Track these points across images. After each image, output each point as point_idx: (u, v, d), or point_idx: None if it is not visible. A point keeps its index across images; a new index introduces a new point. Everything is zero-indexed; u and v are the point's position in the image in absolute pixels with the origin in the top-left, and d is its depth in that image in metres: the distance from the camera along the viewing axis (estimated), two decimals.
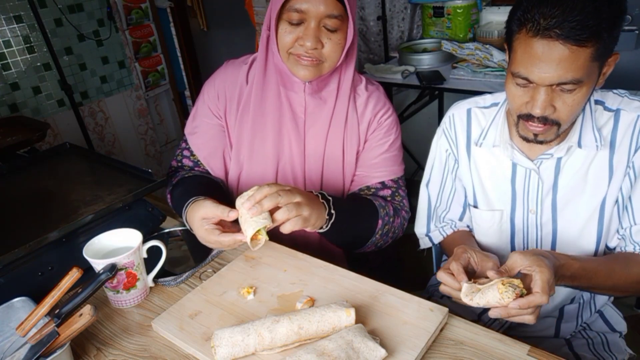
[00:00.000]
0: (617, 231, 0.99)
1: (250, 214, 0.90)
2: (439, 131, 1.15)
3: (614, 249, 1.01)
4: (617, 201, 0.97)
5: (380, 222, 1.12)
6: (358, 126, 1.18)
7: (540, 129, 0.89)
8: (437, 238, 1.20)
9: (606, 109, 0.96)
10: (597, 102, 0.97)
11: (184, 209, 1.05)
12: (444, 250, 1.25)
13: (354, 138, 1.18)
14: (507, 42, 0.90)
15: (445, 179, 1.17)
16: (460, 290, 0.81)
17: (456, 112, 1.11)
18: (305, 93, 1.14)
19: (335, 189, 1.21)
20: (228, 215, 0.93)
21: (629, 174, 0.94)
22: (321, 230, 1.03)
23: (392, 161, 1.20)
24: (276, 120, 1.16)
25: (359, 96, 1.19)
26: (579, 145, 0.95)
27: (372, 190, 1.19)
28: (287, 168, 1.19)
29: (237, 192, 1.26)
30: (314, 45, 1.03)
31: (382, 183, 1.19)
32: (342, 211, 1.05)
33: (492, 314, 0.78)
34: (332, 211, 1.02)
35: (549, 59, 0.80)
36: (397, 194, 1.20)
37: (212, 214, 0.96)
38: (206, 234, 0.96)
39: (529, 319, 0.78)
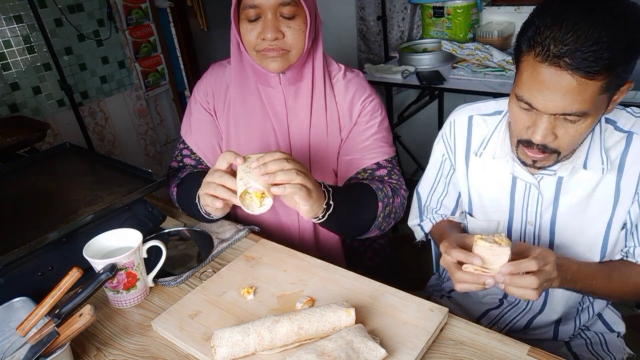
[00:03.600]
0: (621, 250, 0.99)
1: (254, 172, 0.88)
2: (439, 135, 1.14)
3: None
4: (624, 225, 0.95)
5: (380, 204, 1.11)
6: (338, 113, 1.19)
7: (539, 157, 0.87)
8: (428, 226, 1.20)
9: (617, 129, 0.92)
10: (607, 120, 0.92)
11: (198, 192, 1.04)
12: (432, 237, 1.24)
13: (335, 126, 1.18)
14: (515, 59, 0.86)
15: (438, 181, 1.16)
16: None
17: (457, 119, 1.09)
18: (282, 85, 1.16)
19: (324, 179, 1.20)
20: (235, 160, 0.93)
21: (638, 200, 0.92)
22: (318, 220, 1.02)
23: (384, 141, 1.20)
24: (260, 119, 1.19)
25: (337, 82, 1.20)
26: (585, 167, 0.92)
27: (369, 171, 1.18)
28: None
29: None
30: (274, 35, 1.05)
31: (378, 164, 1.18)
32: (341, 202, 1.04)
33: (501, 272, 0.79)
34: (331, 202, 1.00)
35: (555, 88, 0.76)
36: (393, 173, 1.20)
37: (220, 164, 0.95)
38: (208, 180, 0.95)
39: (530, 293, 0.78)
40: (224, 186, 0.93)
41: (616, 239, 0.96)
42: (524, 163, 0.92)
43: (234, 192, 0.92)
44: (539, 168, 0.91)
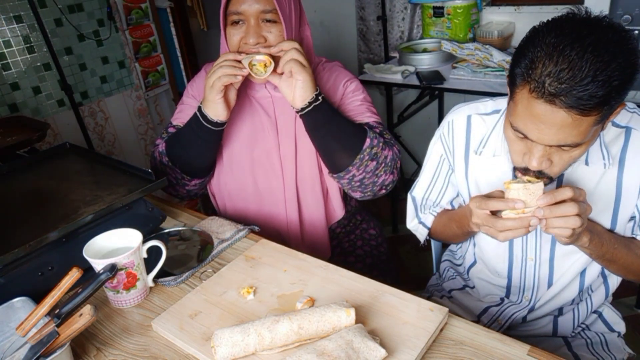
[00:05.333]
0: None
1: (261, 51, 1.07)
2: (436, 135, 1.14)
3: None
4: (631, 218, 0.96)
5: (368, 140, 1.13)
6: None
7: None
8: (429, 220, 1.18)
9: (614, 124, 0.93)
10: None
11: (197, 110, 1.16)
12: (434, 231, 1.20)
13: None
14: (509, 85, 0.84)
15: (436, 179, 1.16)
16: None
17: (456, 118, 1.08)
18: (267, 88, 1.22)
19: (310, 167, 1.25)
20: (239, 55, 1.08)
21: None
22: (307, 108, 1.09)
23: (371, 110, 1.26)
24: (248, 113, 1.24)
25: (319, 73, 1.26)
26: (587, 163, 0.93)
27: None
28: (262, 157, 1.25)
29: (219, 185, 1.34)
30: (255, 40, 1.09)
31: (368, 124, 1.22)
32: (330, 105, 1.13)
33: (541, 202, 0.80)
34: (320, 97, 1.09)
35: (549, 123, 0.76)
36: (385, 132, 1.23)
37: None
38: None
39: (573, 220, 0.78)
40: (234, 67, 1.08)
41: (622, 233, 0.97)
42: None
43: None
44: None
